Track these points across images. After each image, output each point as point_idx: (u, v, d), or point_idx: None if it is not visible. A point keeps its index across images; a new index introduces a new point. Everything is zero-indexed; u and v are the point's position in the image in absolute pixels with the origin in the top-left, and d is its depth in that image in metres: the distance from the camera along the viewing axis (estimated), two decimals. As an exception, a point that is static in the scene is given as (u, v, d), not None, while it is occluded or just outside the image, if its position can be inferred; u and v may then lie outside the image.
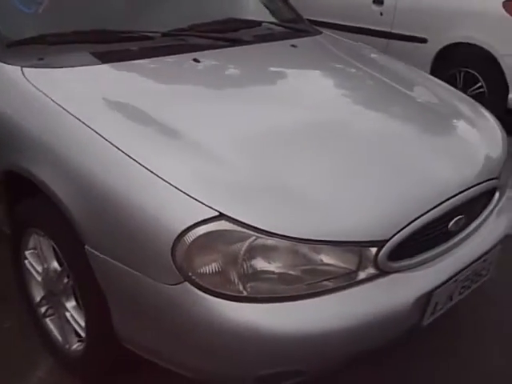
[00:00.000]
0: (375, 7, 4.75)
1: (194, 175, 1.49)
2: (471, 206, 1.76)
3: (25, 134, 1.73)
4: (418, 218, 1.56)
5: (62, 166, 1.59)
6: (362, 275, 1.50)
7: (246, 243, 1.37)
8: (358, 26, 4.80)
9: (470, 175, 1.77)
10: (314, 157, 1.65)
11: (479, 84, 4.17)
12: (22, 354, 2.04)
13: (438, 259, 1.65)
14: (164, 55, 2.05)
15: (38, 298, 1.99)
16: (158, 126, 1.64)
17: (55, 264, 1.83)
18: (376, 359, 1.85)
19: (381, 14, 4.72)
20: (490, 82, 4.10)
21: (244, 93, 2.00)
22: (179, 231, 1.36)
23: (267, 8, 2.76)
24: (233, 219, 1.37)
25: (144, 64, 1.98)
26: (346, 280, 1.49)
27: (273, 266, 1.41)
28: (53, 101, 1.70)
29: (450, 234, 1.70)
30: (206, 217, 1.37)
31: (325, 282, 1.46)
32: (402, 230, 1.52)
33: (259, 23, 2.51)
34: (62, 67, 1.88)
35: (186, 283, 1.38)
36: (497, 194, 1.92)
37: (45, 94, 1.73)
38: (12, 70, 1.85)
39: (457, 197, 1.67)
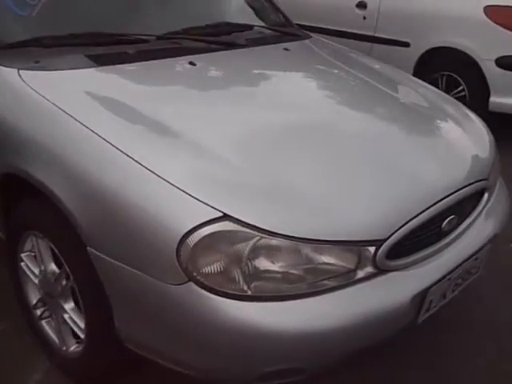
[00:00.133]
0: (358, 11, 4.81)
1: (197, 176, 1.51)
2: (462, 207, 1.81)
3: (22, 136, 1.73)
4: (414, 217, 1.60)
5: (62, 168, 1.59)
6: (360, 274, 1.53)
7: (251, 243, 1.39)
8: (341, 29, 4.86)
9: (462, 176, 1.82)
10: (311, 157, 1.69)
11: (461, 88, 4.26)
12: (17, 357, 2.03)
13: (432, 258, 1.70)
14: (159, 58, 2.07)
15: (34, 301, 1.98)
16: (159, 128, 1.66)
17: (53, 266, 1.83)
18: (368, 357, 1.89)
19: (364, 17, 4.78)
20: (472, 85, 4.19)
21: (242, 95, 2.03)
22: (184, 232, 1.38)
23: (258, 12, 2.78)
24: (237, 220, 1.40)
25: (140, 67, 1.99)
26: (346, 279, 1.52)
27: (276, 266, 1.43)
28: (51, 102, 1.71)
29: (443, 234, 1.75)
30: (210, 218, 1.39)
31: (325, 281, 1.49)
32: (398, 229, 1.56)
33: (251, 27, 2.54)
34: (58, 70, 1.88)
35: (191, 283, 1.40)
36: (486, 195, 1.97)
37: (42, 96, 1.74)
38: (8, 73, 1.85)
39: (449, 197, 1.72)
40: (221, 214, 1.40)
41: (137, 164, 1.49)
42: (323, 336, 1.47)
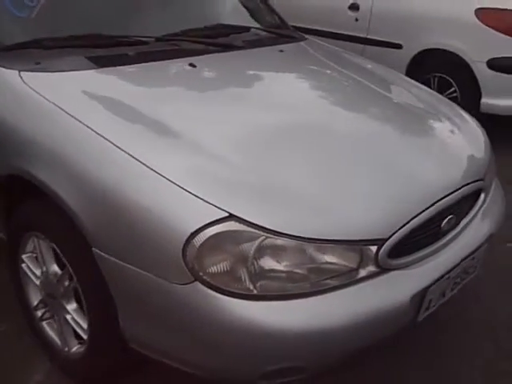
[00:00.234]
0: (351, 13, 4.84)
1: (201, 176, 1.52)
2: (460, 207, 1.84)
3: (24, 137, 1.74)
4: (415, 217, 1.63)
5: (66, 170, 1.60)
6: (362, 273, 1.55)
7: (256, 243, 1.41)
8: (334, 31, 4.89)
9: (460, 176, 1.86)
10: (311, 158, 1.71)
11: (453, 89, 4.30)
12: (18, 358, 2.04)
13: (431, 257, 1.72)
14: (159, 60, 2.08)
15: (35, 302, 1.99)
16: (161, 128, 1.68)
17: (55, 267, 1.84)
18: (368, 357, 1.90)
19: (356, 19, 4.82)
20: (463, 87, 4.23)
21: (241, 96, 2.05)
22: (189, 233, 1.40)
23: (254, 14, 2.80)
24: (242, 220, 1.41)
25: (141, 68, 2.01)
26: (348, 278, 1.54)
27: (281, 265, 1.45)
28: (52, 103, 1.72)
29: (442, 233, 1.77)
30: (215, 218, 1.41)
31: (327, 281, 1.51)
32: (400, 228, 1.58)
33: (247, 29, 2.56)
34: (58, 71, 1.90)
35: (197, 283, 1.41)
36: (482, 195, 2.00)
37: (43, 97, 1.75)
38: (9, 74, 1.86)
39: (448, 197, 1.75)
40: (226, 214, 1.42)
41: (141, 164, 1.51)
42: (325, 335, 1.49)
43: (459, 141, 2.10)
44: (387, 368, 2.08)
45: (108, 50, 2.04)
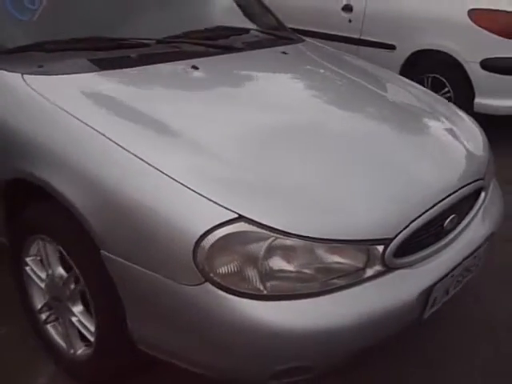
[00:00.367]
0: (344, 14, 4.86)
1: (209, 177, 1.53)
2: (461, 206, 1.87)
3: (30, 140, 1.73)
4: (420, 216, 1.65)
5: (74, 172, 1.60)
6: (369, 272, 1.57)
7: (266, 243, 1.42)
8: (327, 32, 4.91)
9: (462, 176, 1.88)
10: (316, 159, 1.73)
11: (446, 89, 4.34)
12: (22, 361, 2.03)
13: (435, 256, 1.74)
14: (161, 62, 2.09)
15: (39, 305, 1.98)
16: (169, 131, 1.68)
17: (61, 270, 1.84)
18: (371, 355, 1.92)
19: (349, 20, 4.84)
20: (457, 87, 4.27)
21: (248, 99, 2.06)
22: (200, 234, 1.40)
23: (253, 16, 2.82)
24: (252, 221, 1.42)
25: (145, 70, 2.01)
26: (354, 278, 1.55)
27: (290, 266, 1.46)
28: (57, 105, 1.73)
29: (444, 232, 1.80)
30: (225, 219, 1.42)
31: (335, 280, 1.53)
32: (405, 228, 1.60)
33: (247, 31, 2.58)
34: (61, 74, 1.90)
35: (207, 283, 1.42)
36: (482, 194, 2.03)
37: (47, 99, 1.75)
38: (12, 77, 1.86)
39: (451, 196, 1.77)
40: (236, 216, 1.43)
41: (153, 168, 1.51)
42: (334, 334, 1.50)
43: (459, 140, 2.12)
44: (387, 367, 2.10)
45: (110, 52, 2.05)
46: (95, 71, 1.94)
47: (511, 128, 4.48)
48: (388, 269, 1.60)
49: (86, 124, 1.65)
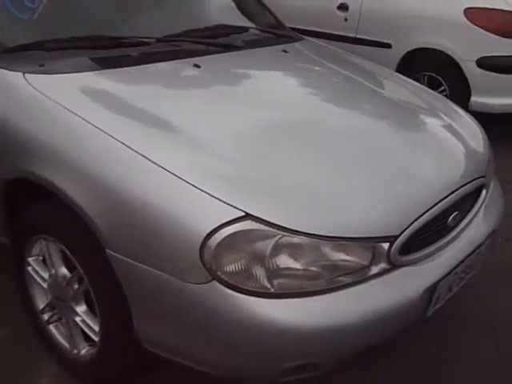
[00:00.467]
0: (340, 13, 4.86)
1: (215, 176, 1.53)
2: (463, 203, 1.88)
3: (32, 139, 1.72)
4: (424, 213, 1.65)
5: (76, 170, 1.60)
6: (374, 270, 1.58)
7: (273, 241, 1.42)
8: (323, 31, 4.91)
9: (464, 173, 1.89)
10: (320, 157, 1.73)
11: (442, 88, 4.35)
12: (24, 361, 2.02)
13: (438, 253, 1.75)
14: (162, 60, 2.09)
15: (41, 305, 1.97)
16: (174, 130, 1.68)
17: (64, 270, 1.83)
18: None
19: (345, 19, 4.84)
20: (453, 85, 4.29)
21: (250, 96, 2.06)
22: (207, 232, 1.40)
23: (252, 15, 2.82)
24: (259, 219, 1.42)
25: (147, 69, 2.01)
26: (360, 275, 1.56)
27: (297, 263, 1.47)
28: (59, 104, 1.72)
29: (447, 229, 1.80)
30: (232, 217, 1.42)
31: (341, 278, 1.53)
32: (410, 225, 1.61)
33: (247, 29, 2.58)
34: (62, 73, 1.89)
35: (214, 282, 1.42)
36: (484, 191, 2.04)
37: (49, 98, 1.74)
38: (14, 76, 1.85)
39: (454, 194, 1.78)
40: (243, 214, 1.42)
41: (159, 167, 1.51)
42: (340, 331, 1.51)
43: (460, 137, 2.13)
44: (391, 364, 2.10)
45: (111, 51, 2.04)
46: (96, 70, 1.94)
47: (508, 126, 4.49)
48: (393, 266, 1.61)
49: (88, 122, 1.65)
